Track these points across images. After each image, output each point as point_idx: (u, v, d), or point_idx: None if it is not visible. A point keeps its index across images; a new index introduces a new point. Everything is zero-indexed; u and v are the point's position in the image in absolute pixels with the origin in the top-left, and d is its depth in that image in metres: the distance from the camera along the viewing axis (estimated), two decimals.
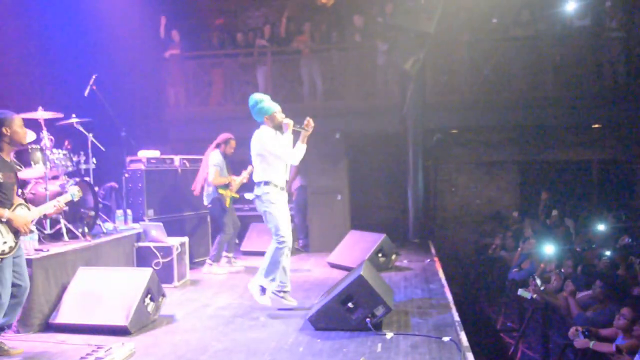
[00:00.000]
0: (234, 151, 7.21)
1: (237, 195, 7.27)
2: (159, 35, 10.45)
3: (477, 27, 9.99)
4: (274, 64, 10.34)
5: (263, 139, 5.13)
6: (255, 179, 5.23)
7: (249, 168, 6.59)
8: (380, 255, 7.10)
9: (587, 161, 11.22)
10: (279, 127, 5.23)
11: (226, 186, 7.06)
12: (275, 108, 5.24)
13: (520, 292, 6.80)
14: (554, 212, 9.98)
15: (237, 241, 7.99)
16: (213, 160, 7.01)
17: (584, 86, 9.81)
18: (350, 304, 4.53)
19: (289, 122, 5.20)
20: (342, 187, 8.84)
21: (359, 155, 10.44)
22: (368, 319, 4.51)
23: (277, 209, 5.14)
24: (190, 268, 6.96)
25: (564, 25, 9.98)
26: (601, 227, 8.24)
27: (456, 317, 4.96)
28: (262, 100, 5.24)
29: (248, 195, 5.87)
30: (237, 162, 7.33)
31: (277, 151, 5.11)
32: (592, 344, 4.81)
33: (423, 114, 9.78)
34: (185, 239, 6.76)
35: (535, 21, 9.98)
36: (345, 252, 7.48)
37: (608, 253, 6.95)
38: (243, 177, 7.13)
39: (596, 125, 10.72)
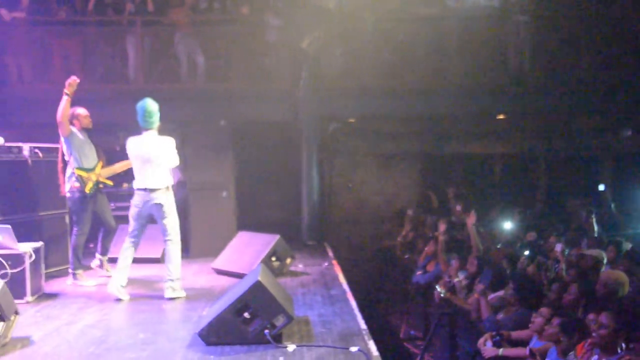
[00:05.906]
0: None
1: (109, 182, 6.96)
2: None
3: (378, 5, 10.30)
4: (147, 37, 9.97)
5: (170, 148, 6.05)
6: (158, 185, 6.02)
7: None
8: (274, 259, 7.17)
9: (491, 155, 12.09)
10: None
11: (89, 169, 6.75)
12: None
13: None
14: (458, 208, 10.61)
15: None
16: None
17: (488, 74, 10.42)
18: (246, 314, 4.55)
19: None
20: (228, 183, 8.82)
21: (247, 147, 10.42)
22: (267, 331, 4.55)
23: (175, 211, 6.21)
24: (47, 279, 6.59)
25: (470, 4, 10.50)
26: (507, 226, 8.90)
27: (363, 325, 5.16)
28: (158, 110, 6.08)
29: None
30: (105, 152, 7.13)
31: (177, 162, 6.15)
32: (501, 351, 5.17)
33: (318, 101, 9.97)
34: (40, 245, 6.39)
35: None
36: (233, 257, 7.47)
37: (526, 253, 7.49)
38: (121, 165, 6.92)
39: (500, 116, 11.56)
